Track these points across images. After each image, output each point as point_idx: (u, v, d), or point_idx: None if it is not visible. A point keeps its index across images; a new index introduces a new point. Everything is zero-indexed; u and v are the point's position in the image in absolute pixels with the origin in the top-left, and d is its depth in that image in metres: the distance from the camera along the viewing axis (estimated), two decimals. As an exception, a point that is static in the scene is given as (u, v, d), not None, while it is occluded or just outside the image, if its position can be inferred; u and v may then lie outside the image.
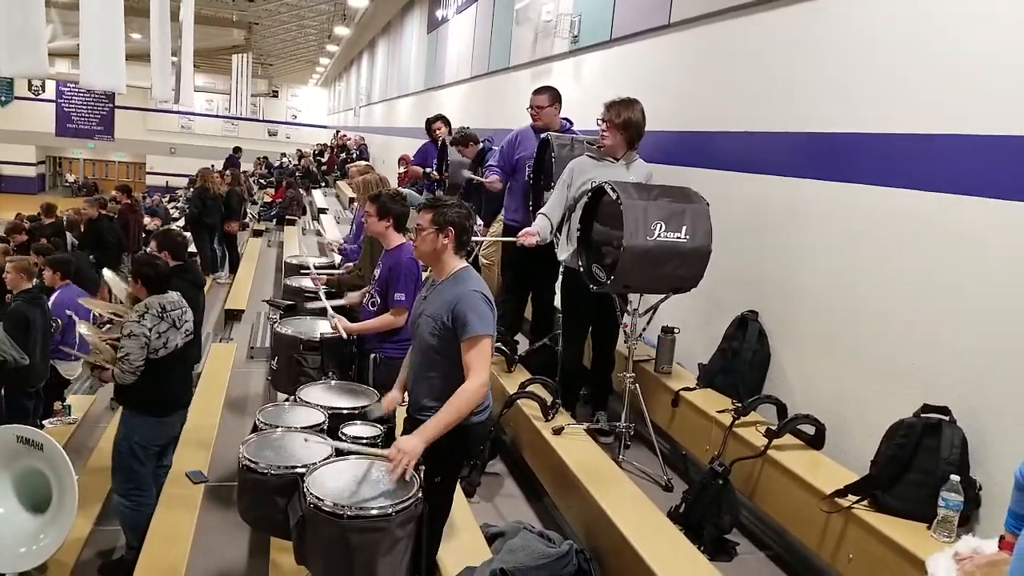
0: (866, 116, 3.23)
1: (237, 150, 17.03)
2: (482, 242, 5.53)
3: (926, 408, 2.73)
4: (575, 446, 3.61)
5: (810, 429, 3.26)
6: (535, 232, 3.98)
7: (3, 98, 32.52)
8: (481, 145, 6.23)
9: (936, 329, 2.86)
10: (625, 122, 3.90)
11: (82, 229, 10.05)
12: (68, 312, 5.87)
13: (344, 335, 3.76)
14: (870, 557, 2.59)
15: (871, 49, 3.24)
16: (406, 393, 2.95)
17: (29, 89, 32.46)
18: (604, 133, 3.96)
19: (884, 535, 2.54)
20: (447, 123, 7.58)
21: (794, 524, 3.04)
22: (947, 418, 2.68)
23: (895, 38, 3.12)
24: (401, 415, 3.06)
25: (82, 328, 4.35)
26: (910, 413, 2.75)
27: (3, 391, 5.20)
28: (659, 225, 3.45)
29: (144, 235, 11.42)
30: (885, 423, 2.82)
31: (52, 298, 6.09)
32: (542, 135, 4.64)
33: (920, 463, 2.65)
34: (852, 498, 2.72)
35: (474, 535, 3.13)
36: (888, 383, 3.05)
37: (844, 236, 3.32)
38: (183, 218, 14.89)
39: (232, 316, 7.77)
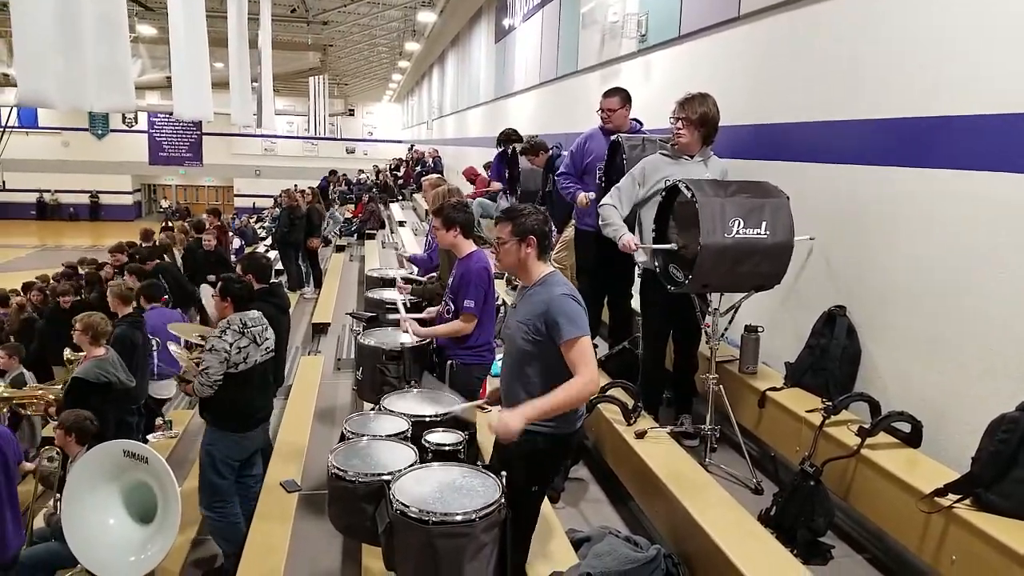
0: (959, 98, 3.06)
1: (332, 173, 17.33)
2: (553, 246, 5.48)
3: (1031, 402, 2.57)
4: (659, 450, 3.57)
5: (906, 427, 3.12)
6: (633, 239, 3.87)
7: (100, 131, 34.81)
8: (551, 152, 6.25)
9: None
10: (702, 118, 3.83)
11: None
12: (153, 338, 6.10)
13: (412, 336, 3.86)
14: (975, 558, 2.46)
15: (955, 24, 3.08)
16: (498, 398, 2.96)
17: (123, 122, 34.63)
18: (679, 131, 3.89)
19: (989, 535, 2.41)
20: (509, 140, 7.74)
21: (892, 525, 2.91)
22: (1054, 412, 2.52)
23: (982, 9, 2.96)
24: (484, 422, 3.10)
25: (173, 347, 4.58)
26: (1012, 407, 2.60)
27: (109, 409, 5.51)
28: (737, 222, 3.39)
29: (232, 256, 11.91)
30: (986, 418, 2.67)
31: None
32: (612, 137, 4.61)
33: (1027, 459, 2.50)
34: (953, 497, 2.59)
35: (560, 540, 3.14)
36: (989, 377, 2.89)
37: (942, 225, 3.15)
38: (270, 237, 15.50)
39: (319, 329, 8.05)
